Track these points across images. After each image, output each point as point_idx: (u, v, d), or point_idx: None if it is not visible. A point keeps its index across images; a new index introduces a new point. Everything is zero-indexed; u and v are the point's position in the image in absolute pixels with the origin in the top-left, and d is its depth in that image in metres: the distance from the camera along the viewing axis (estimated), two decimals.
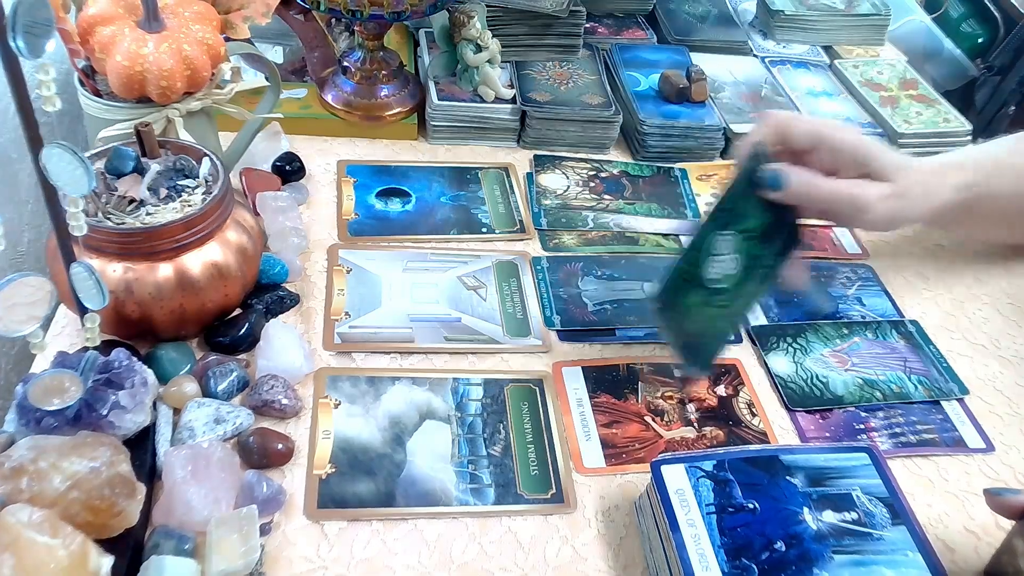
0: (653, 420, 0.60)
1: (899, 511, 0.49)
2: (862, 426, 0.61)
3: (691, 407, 0.61)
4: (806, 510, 0.48)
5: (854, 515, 0.48)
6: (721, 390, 0.63)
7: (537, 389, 0.61)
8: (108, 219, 0.56)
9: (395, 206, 0.76)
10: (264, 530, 0.50)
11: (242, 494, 0.50)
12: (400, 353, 0.63)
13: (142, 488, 0.46)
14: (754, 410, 0.62)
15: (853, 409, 0.63)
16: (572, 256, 0.74)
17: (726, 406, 0.62)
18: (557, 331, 0.66)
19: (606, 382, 0.63)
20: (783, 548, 0.46)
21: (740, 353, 0.67)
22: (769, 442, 0.60)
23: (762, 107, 0.90)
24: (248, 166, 0.74)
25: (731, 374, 0.64)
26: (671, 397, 0.62)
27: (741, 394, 0.63)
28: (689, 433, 0.60)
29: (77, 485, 0.43)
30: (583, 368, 0.63)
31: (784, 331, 0.68)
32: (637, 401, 0.61)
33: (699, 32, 1.01)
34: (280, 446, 0.54)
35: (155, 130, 0.60)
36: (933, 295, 0.75)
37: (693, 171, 0.85)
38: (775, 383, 0.64)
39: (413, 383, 0.60)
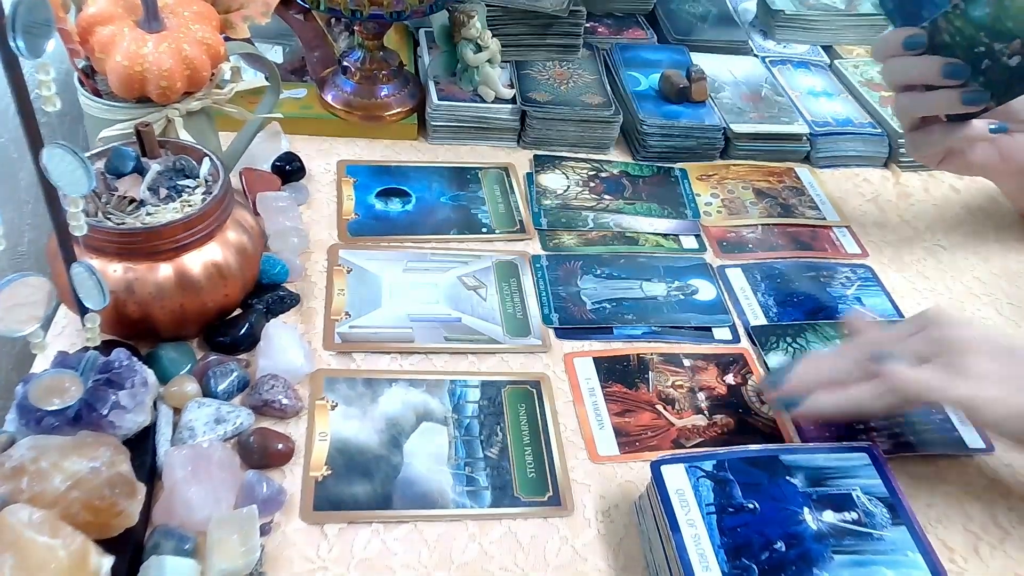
0: (664, 408, 0.61)
1: (899, 511, 0.49)
2: (862, 426, 0.61)
3: (701, 395, 0.62)
4: (806, 510, 0.48)
5: (854, 515, 0.48)
6: (730, 379, 0.64)
7: (535, 391, 0.61)
8: (108, 219, 0.56)
9: (395, 206, 0.76)
10: (264, 530, 0.50)
11: (242, 494, 0.51)
12: (400, 353, 0.63)
13: (142, 488, 0.46)
14: (763, 399, 0.62)
15: None
16: (572, 255, 0.74)
17: (735, 394, 0.63)
18: (555, 329, 0.66)
19: (617, 372, 0.63)
20: (783, 548, 0.46)
21: (747, 345, 0.67)
22: (778, 429, 0.60)
23: (762, 107, 0.90)
24: (248, 166, 0.74)
25: (739, 363, 0.65)
26: (681, 386, 0.62)
27: (750, 382, 0.64)
28: (700, 421, 0.60)
29: (77, 485, 0.43)
30: (594, 359, 0.64)
31: (784, 331, 0.68)
32: (648, 390, 0.62)
33: (699, 32, 1.01)
34: (280, 446, 0.54)
35: (155, 130, 0.60)
36: (933, 295, 0.75)
37: (693, 171, 0.85)
38: None
39: (410, 385, 0.60)
